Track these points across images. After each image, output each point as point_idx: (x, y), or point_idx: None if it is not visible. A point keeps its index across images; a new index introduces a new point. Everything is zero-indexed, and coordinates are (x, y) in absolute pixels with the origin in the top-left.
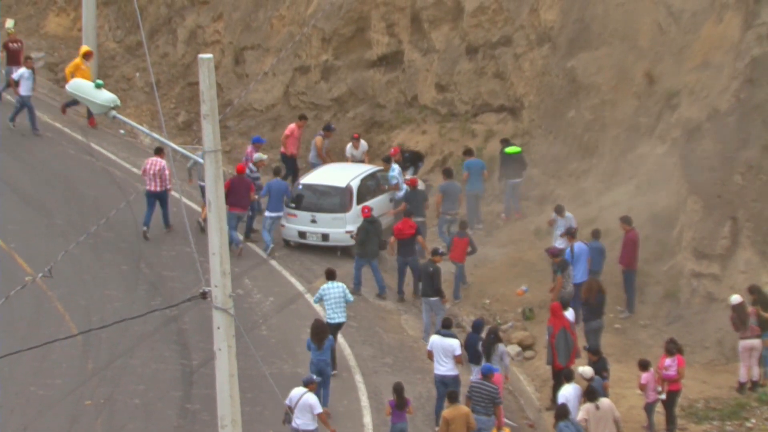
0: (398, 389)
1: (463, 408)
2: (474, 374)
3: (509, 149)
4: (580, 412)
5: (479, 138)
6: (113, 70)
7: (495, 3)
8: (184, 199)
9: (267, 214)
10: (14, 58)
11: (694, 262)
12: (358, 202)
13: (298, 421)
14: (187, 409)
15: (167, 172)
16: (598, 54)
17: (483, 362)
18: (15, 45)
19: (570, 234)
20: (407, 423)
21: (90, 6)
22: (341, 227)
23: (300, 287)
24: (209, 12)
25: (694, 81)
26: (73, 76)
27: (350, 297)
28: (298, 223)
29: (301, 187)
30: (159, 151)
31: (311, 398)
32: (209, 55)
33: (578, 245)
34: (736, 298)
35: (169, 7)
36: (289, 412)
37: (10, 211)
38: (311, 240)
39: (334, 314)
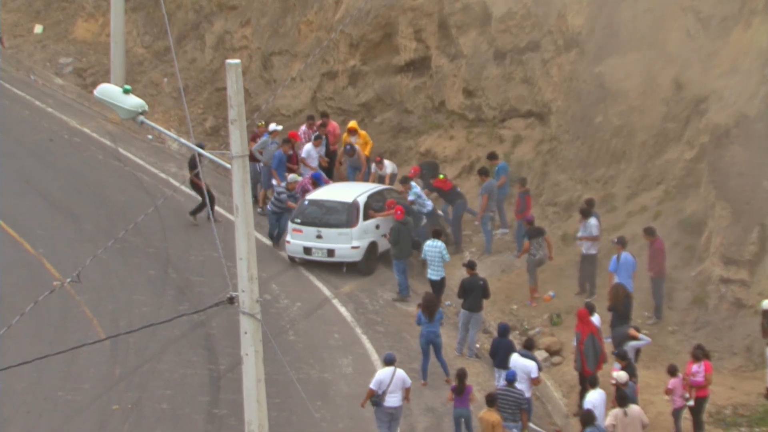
0: (460, 375)
1: (494, 414)
2: (497, 380)
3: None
4: (608, 418)
5: (507, 143)
6: (141, 76)
7: (523, 8)
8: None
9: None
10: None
11: (722, 268)
12: (365, 219)
13: (392, 398)
14: (214, 414)
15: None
16: (626, 60)
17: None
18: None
19: (621, 243)
20: (470, 410)
21: (118, 12)
22: (347, 243)
23: (327, 292)
24: (237, 17)
25: (722, 87)
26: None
27: (447, 256)
28: (304, 239)
29: (307, 202)
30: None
31: (404, 373)
32: (237, 61)
33: (625, 256)
34: (767, 303)
35: (197, 13)
36: (377, 396)
37: (38, 217)
38: (316, 256)
39: (432, 271)
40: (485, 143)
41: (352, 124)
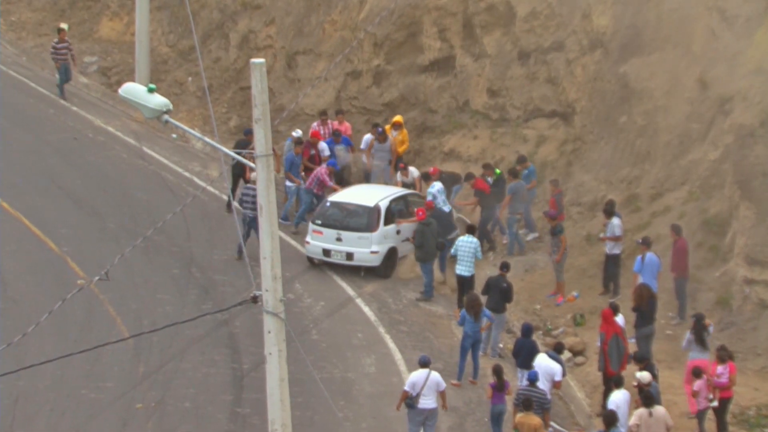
0: (498, 371)
1: (534, 418)
2: (520, 379)
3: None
4: (633, 418)
5: (531, 143)
6: (166, 75)
7: (547, 8)
8: (236, 203)
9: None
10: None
11: (747, 269)
12: (386, 224)
13: (426, 400)
14: (237, 413)
15: None
16: (651, 59)
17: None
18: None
19: (645, 243)
20: (506, 405)
21: (143, 10)
22: (366, 247)
23: (351, 292)
24: (261, 17)
25: (747, 87)
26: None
27: (479, 254)
28: (324, 241)
29: (329, 204)
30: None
31: (438, 376)
32: (261, 60)
33: (649, 256)
34: None
35: (221, 12)
36: (411, 398)
37: (63, 215)
38: (335, 258)
39: (460, 267)
40: (509, 143)
41: (398, 118)
